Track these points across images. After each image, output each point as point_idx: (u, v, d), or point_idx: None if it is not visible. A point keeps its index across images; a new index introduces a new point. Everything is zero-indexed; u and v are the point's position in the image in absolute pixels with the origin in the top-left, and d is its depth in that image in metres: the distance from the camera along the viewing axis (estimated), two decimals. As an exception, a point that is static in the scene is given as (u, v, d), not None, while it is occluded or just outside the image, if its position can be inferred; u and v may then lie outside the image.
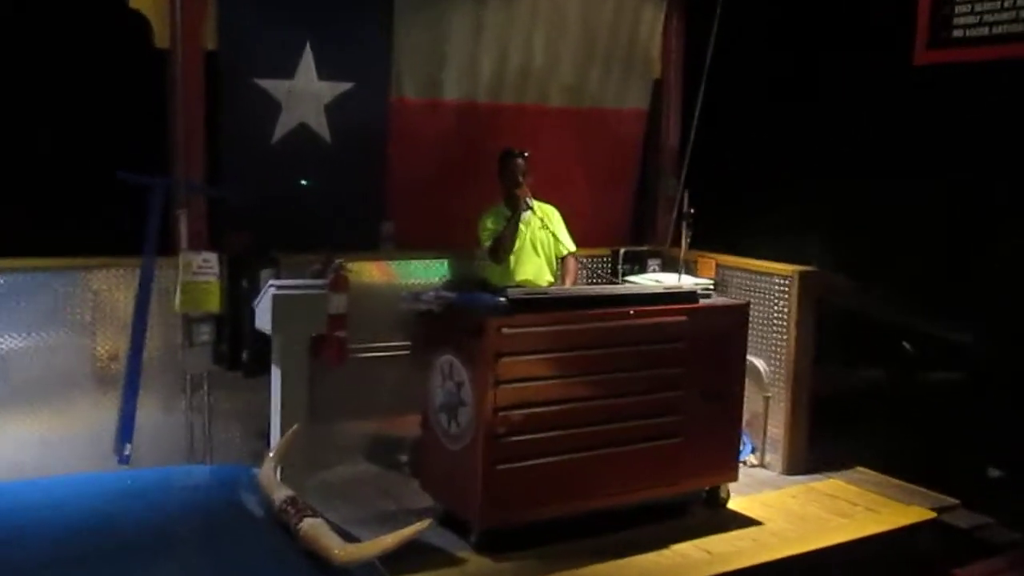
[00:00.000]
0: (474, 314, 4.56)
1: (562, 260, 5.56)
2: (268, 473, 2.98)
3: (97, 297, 4.89)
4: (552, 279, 5.53)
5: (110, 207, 4.90)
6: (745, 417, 5.43)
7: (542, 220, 5.44)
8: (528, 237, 5.46)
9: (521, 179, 5.35)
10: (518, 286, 5.21)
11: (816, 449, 5.70)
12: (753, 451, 5.77)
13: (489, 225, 5.41)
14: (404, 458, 5.47)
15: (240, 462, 4.80)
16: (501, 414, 4.48)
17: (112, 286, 4.93)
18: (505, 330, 4.47)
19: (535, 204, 5.49)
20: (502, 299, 4.62)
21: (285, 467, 3.12)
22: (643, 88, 6.60)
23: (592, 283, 6.14)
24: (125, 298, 4.93)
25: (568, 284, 5.54)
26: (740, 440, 5.36)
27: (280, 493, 2.83)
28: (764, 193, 6.33)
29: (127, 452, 4.82)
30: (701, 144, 6.21)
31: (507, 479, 4.50)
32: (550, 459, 4.60)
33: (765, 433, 5.73)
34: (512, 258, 5.40)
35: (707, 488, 5.14)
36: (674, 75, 6.62)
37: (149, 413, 4.98)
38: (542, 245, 5.48)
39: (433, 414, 4.80)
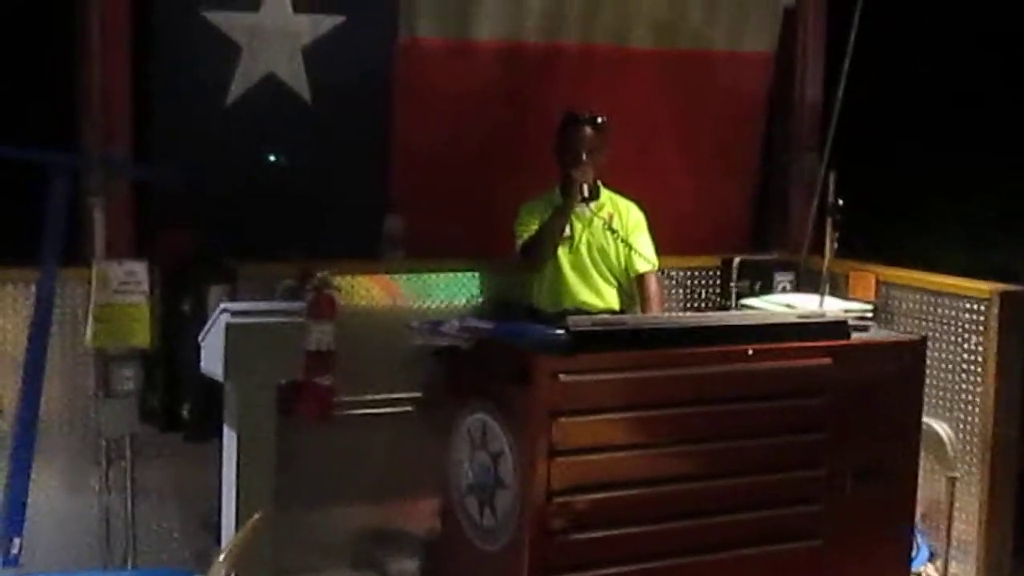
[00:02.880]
0: (518, 353, 4.57)
1: (638, 280, 5.58)
2: (217, 582, 3.01)
3: (-28, 325, 4.99)
4: (620, 305, 5.55)
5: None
6: (920, 509, 5.36)
7: (608, 220, 5.46)
8: (585, 240, 5.49)
9: (584, 155, 5.38)
10: (578, 312, 5.22)
11: (1025, 557, 5.65)
12: (932, 558, 5.71)
13: (528, 218, 5.46)
14: (415, 562, 5.49)
15: (177, 565, 4.84)
16: (558, 500, 4.47)
17: (-5, 309, 5.02)
18: (564, 377, 4.47)
19: (605, 195, 5.50)
20: (559, 332, 4.63)
21: (242, 573, 3.14)
22: (769, 23, 6.61)
23: (691, 309, 6.12)
24: (13, 326, 5.00)
25: (652, 312, 5.54)
26: (912, 543, 5.30)
27: (234, 611, 2.87)
28: (949, 177, 6.31)
29: (15, 550, 4.87)
30: (853, 105, 6.18)
31: (565, 596, 4.50)
32: (629, 568, 4.57)
33: (950, 532, 5.67)
34: (559, 270, 5.44)
35: (862, 613, 5.11)
36: (814, 5, 6.61)
37: (48, 493, 5.03)
38: (603, 255, 5.51)
39: (457, 499, 4.81)
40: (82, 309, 5.03)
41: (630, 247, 5.49)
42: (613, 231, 5.46)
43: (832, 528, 4.87)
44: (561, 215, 5.40)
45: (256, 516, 3.43)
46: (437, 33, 5.91)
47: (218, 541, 4.58)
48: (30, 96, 5.19)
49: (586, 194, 5.40)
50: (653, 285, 5.59)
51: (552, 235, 5.41)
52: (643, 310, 5.55)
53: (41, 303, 4.93)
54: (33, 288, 4.93)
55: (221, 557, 3.12)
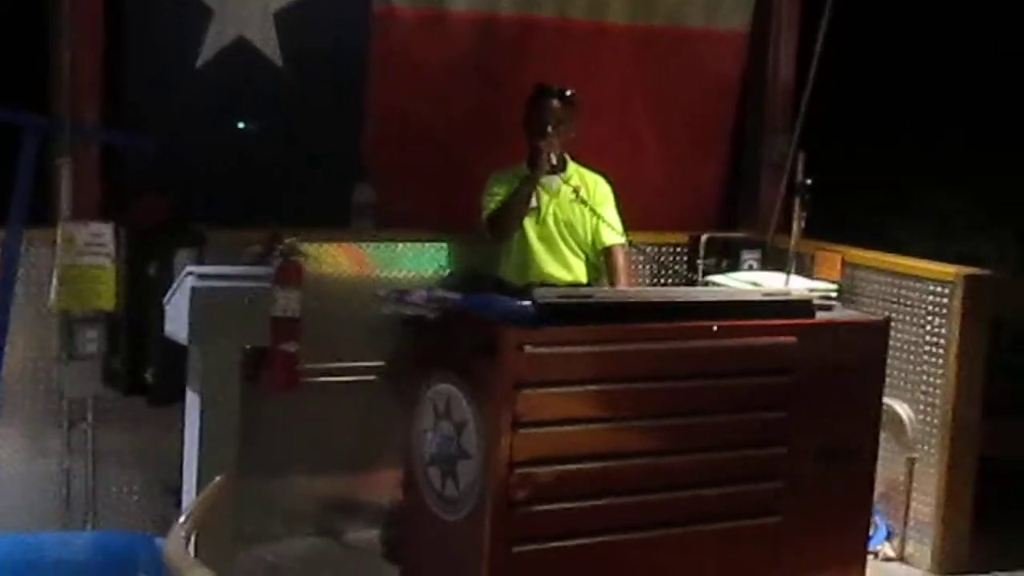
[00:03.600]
0: (485, 325, 4.58)
1: (606, 252, 5.58)
2: (178, 546, 3.00)
3: (-63, 285, 4.96)
4: (587, 279, 5.56)
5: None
6: (879, 488, 5.40)
7: (577, 191, 5.47)
8: (552, 212, 5.49)
9: (550, 127, 5.39)
10: (545, 284, 5.23)
11: (982, 537, 5.68)
12: (889, 537, 5.76)
13: (496, 189, 5.46)
14: (376, 531, 5.50)
15: (137, 528, 4.84)
16: (520, 471, 4.49)
17: (-41, 269, 4.99)
18: (529, 348, 4.48)
19: (572, 168, 5.50)
20: (526, 303, 4.64)
21: (204, 537, 3.14)
22: (744, 1, 6.61)
23: (658, 284, 6.14)
24: (-22, 287, 4.99)
25: (620, 285, 5.56)
26: (870, 522, 5.34)
27: (195, 575, 2.86)
28: (917, 159, 6.34)
29: (-25, 510, 4.88)
30: (826, 85, 6.19)
31: (527, 566, 4.50)
32: (590, 540, 4.59)
33: (908, 512, 5.71)
34: (526, 242, 5.44)
35: (820, 590, 5.15)
36: (789, -19, 6.63)
37: (9, 454, 5.04)
38: (570, 227, 5.52)
39: (420, 469, 4.82)
40: (47, 270, 5.02)
41: (598, 216, 5.49)
42: (582, 201, 5.46)
43: (792, 506, 4.89)
44: (527, 185, 5.41)
45: (218, 479, 3.41)
46: (411, 3, 5.89)
47: (179, 506, 4.58)
48: (0, 57, 5.14)
49: (553, 163, 5.41)
50: (620, 258, 5.60)
51: (518, 205, 5.42)
52: (611, 283, 5.57)
53: (6, 263, 4.91)
54: (-4, 249, 4.92)
55: (182, 519, 3.10)
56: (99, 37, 5.23)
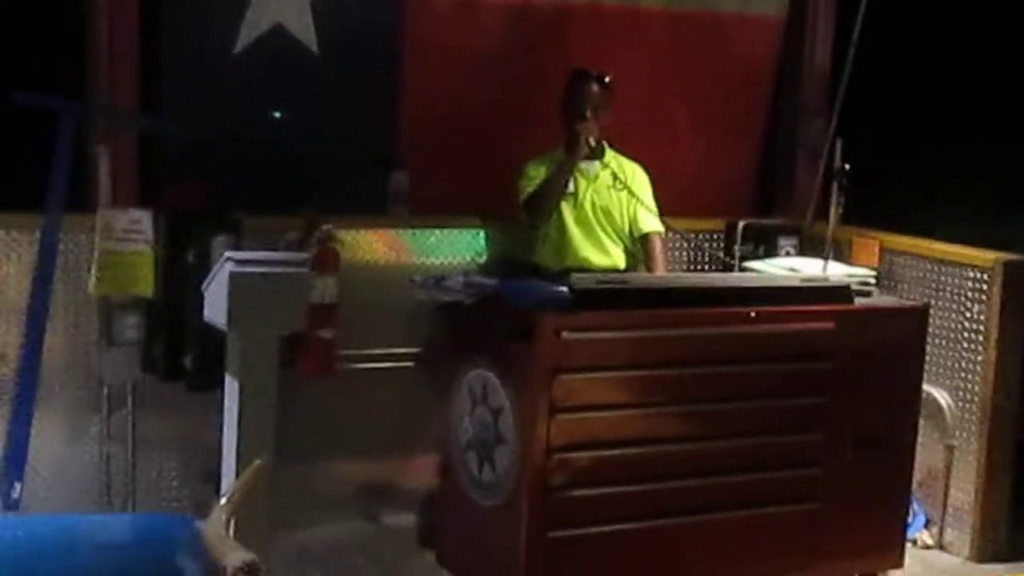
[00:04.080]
0: (521, 310, 4.58)
1: (643, 240, 5.58)
2: (217, 528, 3.02)
3: (-25, 271, 5.00)
4: (624, 265, 5.55)
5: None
6: (917, 476, 5.39)
7: (615, 177, 5.45)
8: (589, 197, 5.49)
9: (588, 111, 5.39)
10: (581, 270, 5.22)
11: (1020, 526, 5.66)
12: (927, 525, 5.74)
13: (533, 174, 5.46)
14: (413, 516, 5.51)
15: (177, 511, 4.87)
16: (557, 457, 4.50)
17: (-1, 255, 5.04)
18: (566, 334, 4.48)
19: (610, 155, 5.50)
20: (563, 289, 4.64)
21: (242, 521, 3.15)
22: (778, -16, 6.60)
23: (695, 270, 6.13)
24: (16, 273, 5.01)
25: (656, 273, 5.55)
26: (909, 509, 5.33)
27: (234, 557, 2.87)
28: (957, 145, 6.29)
29: (16, 494, 4.90)
30: (863, 70, 6.15)
31: (563, 551, 4.52)
32: (626, 525, 4.61)
33: (946, 500, 5.69)
34: (563, 227, 5.44)
35: (857, 577, 5.14)
36: (825, -35, 6.60)
37: (50, 439, 5.06)
38: (607, 213, 5.51)
39: (457, 454, 4.83)
40: (86, 257, 5.04)
41: (637, 201, 5.48)
42: (619, 187, 5.45)
43: (829, 492, 4.90)
44: (565, 169, 5.41)
45: (256, 463, 3.43)
46: (446, -11, 5.90)
47: (218, 491, 4.60)
48: (39, 44, 5.16)
49: (592, 146, 5.40)
50: (658, 245, 5.59)
51: (555, 189, 5.41)
52: (648, 270, 5.56)
53: (45, 251, 4.95)
54: (37, 235, 4.95)
55: (222, 502, 3.12)
56: (136, 23, 5.24)
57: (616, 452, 4.58)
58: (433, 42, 5.87)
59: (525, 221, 5.47)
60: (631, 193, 5.47)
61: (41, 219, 4.93)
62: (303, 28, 5.56)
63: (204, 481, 5.09)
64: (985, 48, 6.35)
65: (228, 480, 4.49)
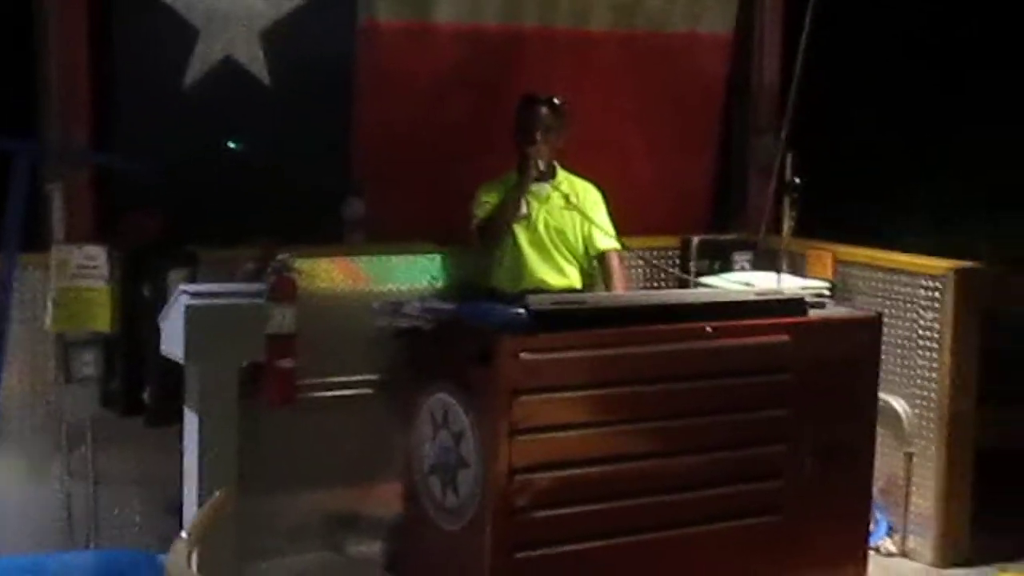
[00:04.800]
0: (479, 333, 4.60)
1: (600, 259, 5.60)
2: (180, 563, 3.01)
3: (-67, 311, 4.96)
4: (581, 285, 5.58)
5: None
6: (878, 484, 5.43)
7: (567, 198, 5.49)
8: (543, 219, 5.51)
9: (539, 134, 5.42)
10: (538, 291, 5.24)
11: (982, 530, 5.69)
12: (890, 532, 5.75)
13: (486, 198, 5.49)
14: (379, 544, 5.50)
15: (141, 547, 4.83)
16: (520, 478, 4.51)
17: (-45, 295, 4.99)
18: (525, 355, 4.50)
19: (562, 175, 5.53)
20: (520, 312, 4.65)
21: (206, 553, 3.14)
22: (727, 4, 6.63)
23: (651, 287, 6.15)
24: (-27, 312, 4.99)
25: (616, 290, 5.57)
26: (871, 517, 5.36)
27: (197, 590, 2.87)
28: (905, 156, 6.35)
29: (-23, 536, 4.88)
30: (811, 85, 6.21)
31: (530, 572, 4.53)
32: (591, 544, 4.61)
33: (907, 506, 5.71)
34: (518, 249, 5.46)
35: (822, 587, 5.16)
36: (771, -17, 6.66)
37: (9, 478, 5.03)
38: (561, 234, 5.53)
39: (420, 479, 4.83)
40: (42, 294, 5.01)
41: (591, 221, 5.51)
42: (572, 207, 5.48)
43: (792, 504, 4.93)
44: (516, 191, 5.43)
45: (218, 494, 3.42)
46: (396, 16, 5.88)
47: (181, 526, 4.57)
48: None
49: (541, 169, 5.43)
50: (615, 262, 5.61)
51: (506, 212, 5.43)
52: (606, 288, 5.57)
53: (1, 289, 4.91)
54: (-8, 274, 4.93)
55: (184, 535, 3.11)
56: (85, 59, 5.23)
57: (578, 471, 4.59)
58: (385, 69, 5.87)
59: (479, 245, 5.49)
60: (582, 213, 5.50)
61: (-5, 258, 4.92)
62: (253, 59, 5.57)
63: (168, 515, 5.06)
64: (933, 57, 6.42)
65: (191, 513, 4.47)
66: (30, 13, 5.19)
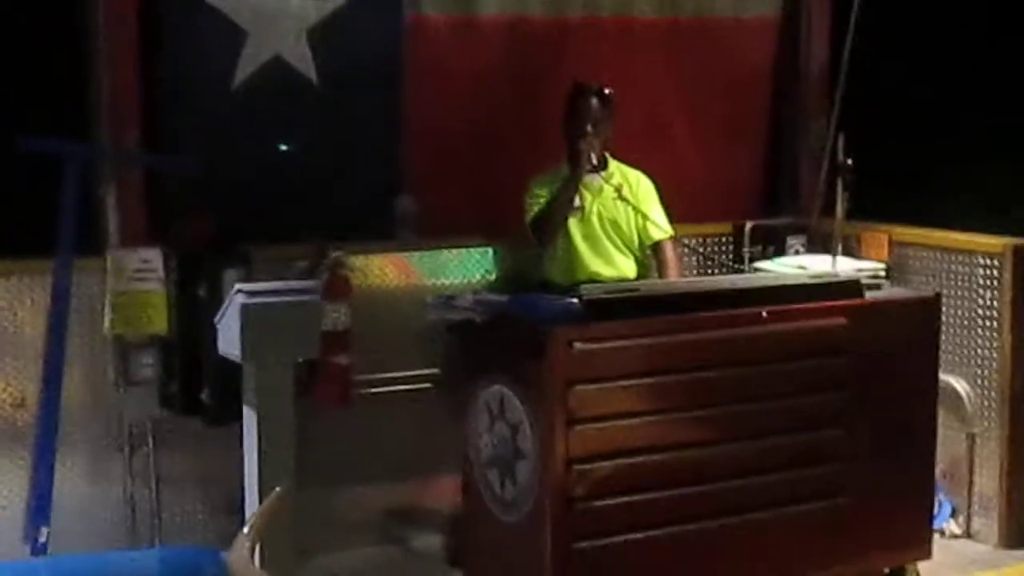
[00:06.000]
0: (533, 324, 4.59)
1: (654, 248, 5.58)
2: (242, 558, 3.03)
3: (-10, 318, 5.03)
4: (635, 276, 5.56)
5: (5, 188, 5.01)
6: (940, 465, 5.39)
7: (618, 189, 5.46)
8: (596, 211, 5.50)
9: (590, 126, 5.39)
10: (591, 283, 5.23)
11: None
12: (954, 514, 5.72)
13: (539, 192, 5.47)
14: (439, 537, 5.51)
15: (202, 544, 4.87)
16: (577, 468, 4.50)
17: (11, 301, 5.05)
18: (579, 345, 4.49)
19: (614, 166, 5.51)
20: (573, 301, 4.64)
21: (266, 549, 3.17)
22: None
23: (705, 274, 6.13)
24: (31, 319, 5.04)
25: (670, 279, 5.55)
26: (933, 499, 5.32)
27: (260, 585, 2.89)
28: (960, 135, 6.28)
29: (43, 539, 4.91)
30: (861, 67, 6.16)
31: (590, 563, 4.52)
32: (650, 533, 4.60)
33: (971, 488, 5.69)
34: (571, 242, 5.46)
35: (887, 571, 5.12)
36: (817, -36, 6.62)
37: (73, 481, 5.09)
38: (614, 225, 5.52)
39: (478, 472, 4.84)
40: (99, 298, 5.07)
41: (643, 215, 5.49)
42: (624, 199, 5.46)
43: (854, 487, 4.90)
44: (569, 186, 5.41)
45: (277, 490, 3.44)
46: (442, 10, 5.90)
47: (243, 523, 4.60)
48: (41, 89, 5.20)
49: (594, 163, 5.41)
50: (669, 252, 5.58)
51: (561, 206, 5.42)
52: (661, 277, 5.55)
53: (58, 294, 4.97)
54: (50, 279, 4.97)
55: (245, 531, 3.13)
56: (136, 63, 5.27)
57: (636, 460, 4.58)
58: (432, 64, 5.88)
59: (534, 240, 5.48)
60: (635, 205, 5.48)
61: (52, 264, 4.95)
62: (301, 58, 5.59)
63: (229, 513, 5.11)
64: (988, 33, 6.33)
65: (252, 510, 4.50)
66: (82, 18, 5.24)
